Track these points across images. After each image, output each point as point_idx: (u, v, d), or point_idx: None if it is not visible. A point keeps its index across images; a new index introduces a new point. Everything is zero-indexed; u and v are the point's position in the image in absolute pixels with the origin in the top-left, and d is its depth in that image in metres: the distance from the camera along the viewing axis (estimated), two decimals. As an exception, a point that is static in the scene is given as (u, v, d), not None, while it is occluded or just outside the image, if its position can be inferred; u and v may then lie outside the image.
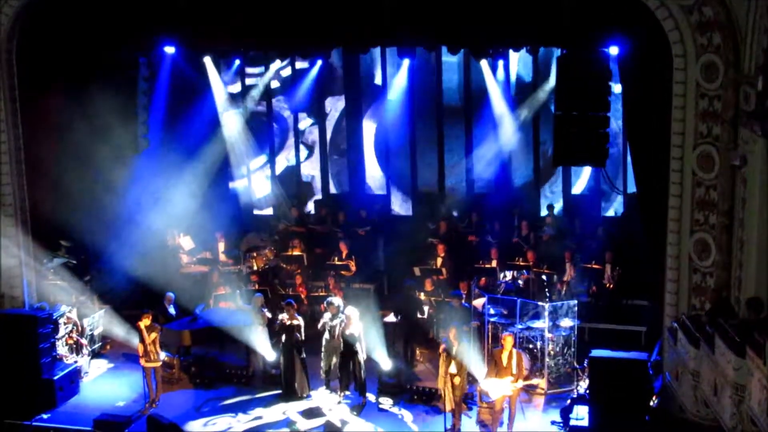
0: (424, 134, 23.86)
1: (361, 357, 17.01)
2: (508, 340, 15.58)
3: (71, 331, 18.41)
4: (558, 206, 22.75)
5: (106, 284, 20.51)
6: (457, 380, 15.55)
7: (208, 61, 22.30)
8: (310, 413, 16.92)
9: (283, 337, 17.29)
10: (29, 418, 16.55)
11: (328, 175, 24.90)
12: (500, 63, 21.98)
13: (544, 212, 22.44)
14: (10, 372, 17.05)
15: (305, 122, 25.19)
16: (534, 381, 17.28)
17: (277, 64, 23.53)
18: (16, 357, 17.06)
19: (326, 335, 17.27)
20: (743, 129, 13.98)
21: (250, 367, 18.28)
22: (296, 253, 21.17)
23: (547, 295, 17.75)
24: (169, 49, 19.91)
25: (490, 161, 23.58)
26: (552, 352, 17.51)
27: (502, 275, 19.75)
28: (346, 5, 17.22)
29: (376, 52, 23.23)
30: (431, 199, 23.76)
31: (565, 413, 15.92)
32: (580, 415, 15.34)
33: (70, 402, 17.46)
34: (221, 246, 21.96)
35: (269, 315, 17.98)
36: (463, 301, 18.03)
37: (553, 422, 16.29)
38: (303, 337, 17.31)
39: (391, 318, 18.80)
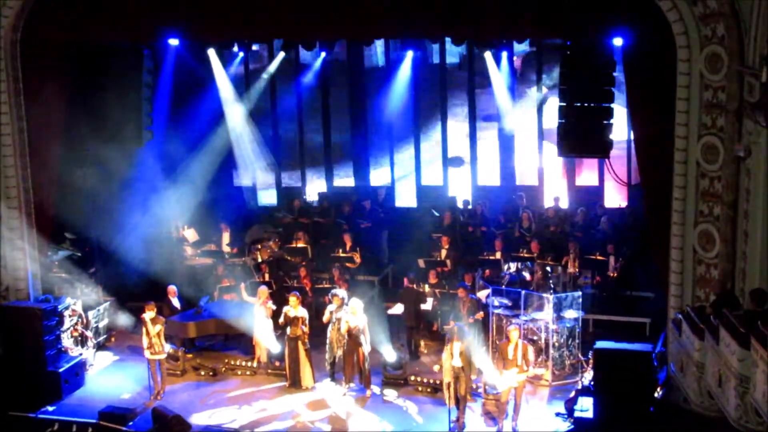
0: (427, 126, 23.89)
1: (366, 349, 17.02)
2: (513, 334, 15.57)
3: (76, 324, 18.42)
4: (562, 197, 22.75)
5: (110, 276, 20.58)
6: (462, 374, 15.55)
7: (212, 53, 22.30)
8: (315, 405, 16.94)
9: (288, 329, 17.32)
10: (34, 410, 16.61)
11: (332, 169, 24.92)
12: (504, 54, 21.96)
13: (548, 203, 22.45)
14: (16, 364, 17.12)
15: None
16: (538, 372, 17.28)
17: (281, 55, 23.55)
18: (22, 349, 17.14)
19: (331, 327, 17.28)
20: (747, 120, 13.94)
21: (255, 359, 18.30)
22: (300, 245, 21.15)
23: (552, 286, 17.73)
24: (173, 42, 19.87)
25: (495, 153, 23.59)
26: (556, 344, 17.50)
27: (506, 267, 19.74)
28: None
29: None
30: (435, 191, 23.75)
31: (570, 404, 15.93)
32: (585, 406, 15.32)
33: (75, 394, 17.49)
34: (225, 238, 21.96)
35: (274, 307, 17.97)
36: (469, 293, 18.02)
37: (557, 414, 16.28)
38: (307, 329, 17.34)
39: (395, 310, 18.82)
